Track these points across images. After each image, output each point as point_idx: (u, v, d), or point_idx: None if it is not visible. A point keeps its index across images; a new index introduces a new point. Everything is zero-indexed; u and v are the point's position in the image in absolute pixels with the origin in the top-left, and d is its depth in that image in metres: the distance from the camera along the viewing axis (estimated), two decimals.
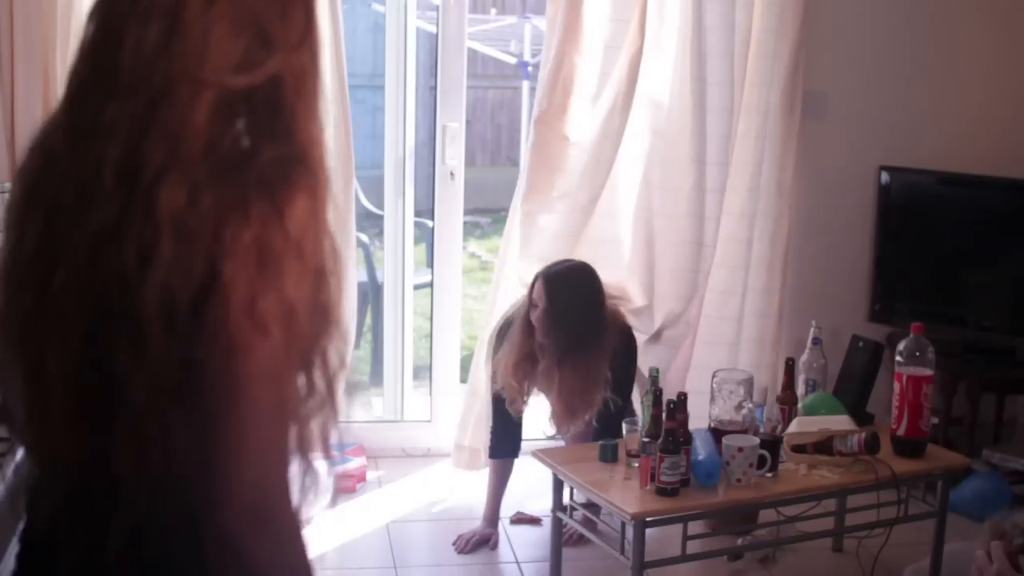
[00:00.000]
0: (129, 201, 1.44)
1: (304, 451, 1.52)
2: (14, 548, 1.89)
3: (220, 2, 1.48)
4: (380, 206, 5.82)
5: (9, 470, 2.37)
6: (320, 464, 1.55)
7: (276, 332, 1.43)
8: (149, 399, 1.43)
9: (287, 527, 1.50)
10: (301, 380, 1.50)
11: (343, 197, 4.66)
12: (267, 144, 1.48)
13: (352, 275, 4.78)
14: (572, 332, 4.34)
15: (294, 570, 1.53)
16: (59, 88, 4.14)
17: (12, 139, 4.23)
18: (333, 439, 1.56)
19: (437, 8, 5.09)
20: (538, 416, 4.59)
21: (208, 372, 1.42)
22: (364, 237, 6.39)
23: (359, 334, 6.34)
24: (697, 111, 4.75)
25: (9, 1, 4.19)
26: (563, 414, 4.45)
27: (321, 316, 1.50)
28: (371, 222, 6.65)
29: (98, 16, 1.54)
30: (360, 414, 5.75)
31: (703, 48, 4.73)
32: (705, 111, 4.76)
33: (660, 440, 3.53)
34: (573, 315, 4.35)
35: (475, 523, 4.53)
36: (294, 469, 1.52)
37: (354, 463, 4.95)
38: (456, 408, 5.05)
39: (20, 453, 1.80)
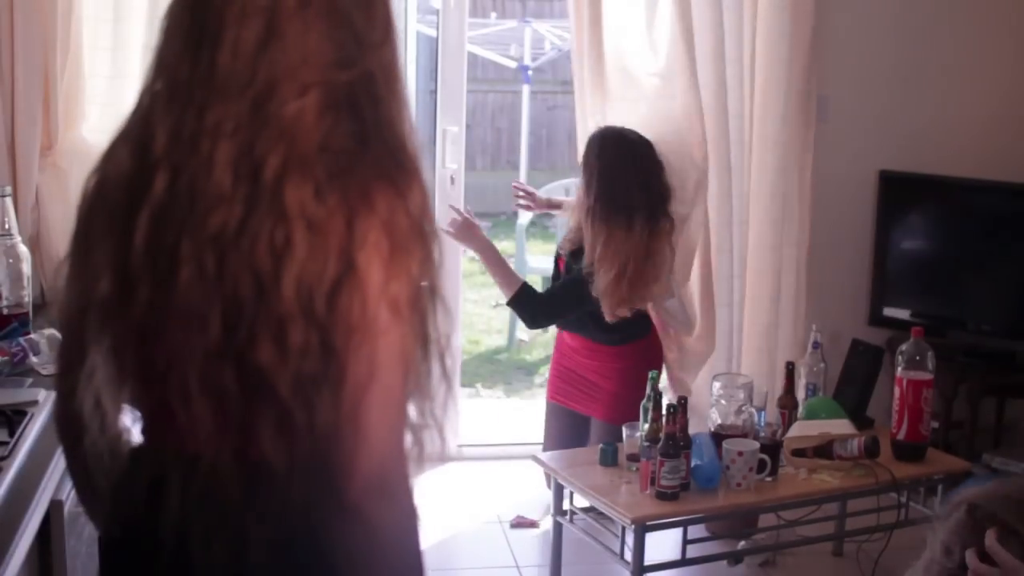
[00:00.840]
0: (253, 201, 1.49)
1: (424, 425, 1.60)
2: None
3: (314, 3, 1.53)
4: None
5: (11, 471, 2.37)
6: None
7: (407, 313, 1.51)
8: (295, 390, 1.50)
9: (406, 498, 1.57)
10: (422, 358, 1.56)
11: None
12: (375, 136, 1.55)
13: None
14: (608, 187, 4.25)
15: (411, 537, 1.60)
16: (59, 91, 4.16)
17: (12, 143, 4.23)
18: (450, 415, 1.63)
19: (437, 12, 5.10)
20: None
21: (347, 358, 1.49)
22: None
23: None
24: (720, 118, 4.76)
25: (9, 5, 4.19)
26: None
27: (433, 293, 1.57)
28: None
29: (185, 14, 1.57)
30: None
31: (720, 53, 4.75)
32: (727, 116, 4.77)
33: (660, 444, 3.53)
34: (612, 170, 4.26)
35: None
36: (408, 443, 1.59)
37: None
38: (455, 413, 5.03)
39: (21, 452, 1.81)
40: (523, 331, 7.57)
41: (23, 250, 3.44)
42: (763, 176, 4.88)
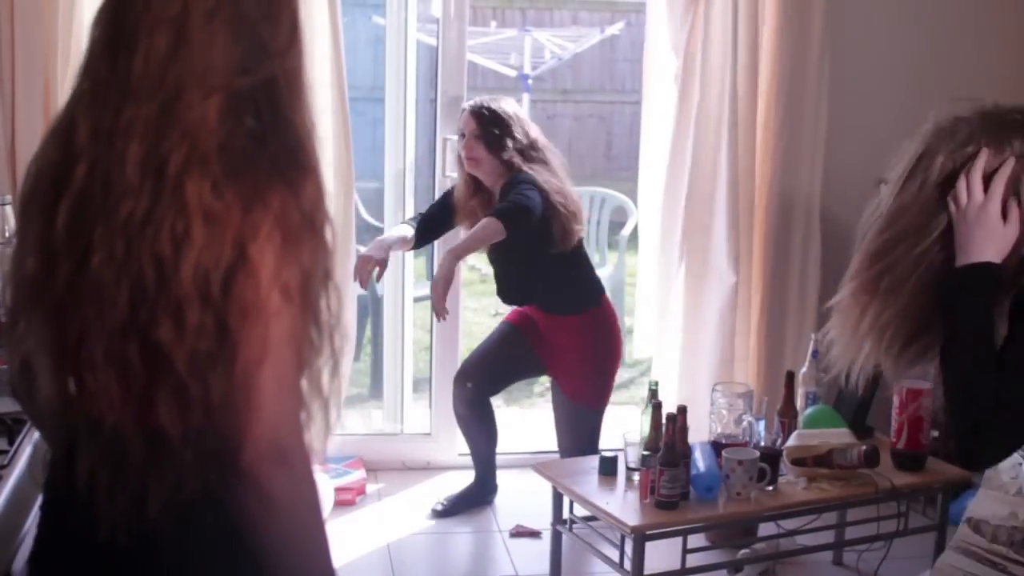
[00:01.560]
0: (158, 194, 1.64)
1: (314, 396, 1.75)
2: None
3: (221, 13, 1.68)
4: (380, 218, 5.83)
5: (11, 479, 2.38)
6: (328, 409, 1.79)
7: (297, 298, 1.66)
8: (190, 365, 1.65)
9: (301, 463, 1.70)
10: (312, 334, 1.72)
11: (343, 209, 4.67)
12: (272, 136, 1.70)
13: (351, 288, 4.77)
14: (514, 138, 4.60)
15: (308, 503, 1.74)
16: (60, 100, 4.16)
17: (12, 152, 4.24)
18: (335, 387, 1.78)
19: (437, 21, 5.10)
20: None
21: (240, 337, 1.64)
22: (364, 249, 6.39)
23: (359, 347, 6.34)
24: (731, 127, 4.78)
25: (10, 15, 4.20)
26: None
27: (325, 278, 1.73)
28: (371, 235, 6.64)
29: (108, 22, 1.75)
30: (359, 427, 5.75)
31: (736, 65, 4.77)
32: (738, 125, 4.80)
33: (660, 453, 3.53)
34: (505, 123, 4.60)
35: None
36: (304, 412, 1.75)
37: (354, 476, 4.94)
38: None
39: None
40: None
41: None
42: (770, 183, 4.89)
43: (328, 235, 1.73)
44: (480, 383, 4.77)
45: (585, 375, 4.69)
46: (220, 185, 1.64)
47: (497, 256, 4.77)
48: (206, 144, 1.65)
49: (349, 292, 4.77)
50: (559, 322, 4.69)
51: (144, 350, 1.66)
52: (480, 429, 4.83)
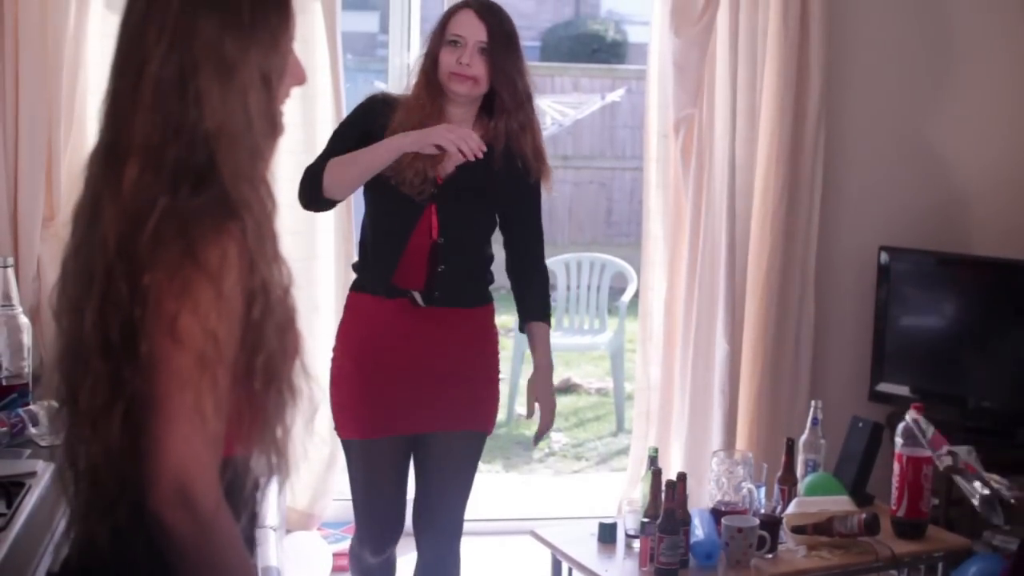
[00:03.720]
0: (90, 244, 1.79)
1: (260, 454, 1.83)
2: None
3: (146, 73, 1.76)
4: None
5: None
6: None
7: (191, 346, 1.69)
8: (90, 408, 1.76)
9: (207, 507, 1.71)
10: (240, 390, 1.77)
11: (343, 274, 4.68)
12: (173, 200, 1.74)
13: None
14: (521, 74, 3.47)
15: (216, 545, 1.75)
16: (63, 164, 4.19)
17: (15, 215, 4.25)
18: (280, 440, 1.84)
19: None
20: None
21: (135, 386, 1.72)
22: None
23: None
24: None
25: (15, 80, 4.23)
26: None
27: (256, 340, 1.77)
28: None
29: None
30: None
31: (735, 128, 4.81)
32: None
33: (659, 520, 3.52)
34: (518, 50, 3.47)
35: None
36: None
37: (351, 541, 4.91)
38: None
39: None
40: (521, 406, 7.56)
41: (24, 321, 3.45)
42: (770, 248, 4.91)
43: (273, 294, 1.79)
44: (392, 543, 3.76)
45: (491, 388, 3.65)
46: (125, 239, 1.73)
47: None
48: (122, 200, 1.75)
49: None
50: (466, 317, 3.57)
51: (70, 388, 1.82)
52: None
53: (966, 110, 5.24)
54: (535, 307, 3.66)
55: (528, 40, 3.22)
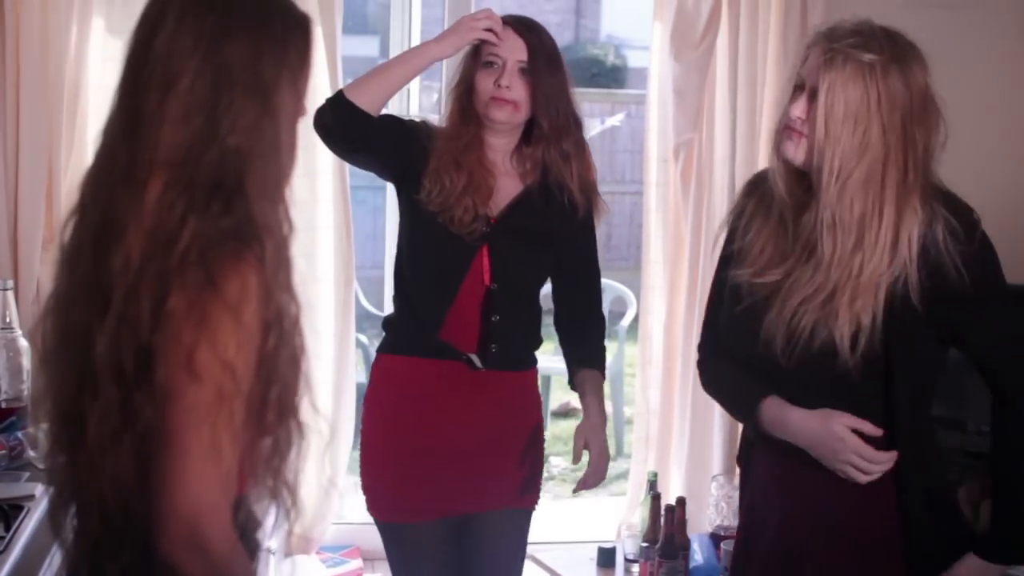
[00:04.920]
0: (97, 267, 1.73)
1: (264, 487, 1.78)
2: None
3: (174, 92, 1.73)
4: (380, 307, 5.84)
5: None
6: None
7: (209, 381, 1.64)
8: (99, 436, 1.70)
9: (221, 549, 1.67)
10: (254, 423, 1.73)
11: (343, 298, 4.68)
12: (202, 219, 1.70)
13: (351, 375, 4.77)
14: (565, 98, 3.14)
15: None
16: (63, 186, 4.20)
17: (15, 238, 4.26)
18: (290, 478, 1.80)
19: (439, 103, 5.15)
20: None
21: (147, 418, 1.67)
22: (364, 338, 6.40)
23: (356, 434, 6.31)
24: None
25: (16, 102, 4.24)
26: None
27: (271, 370, 1.73)
28: (371, 323, 6.66)
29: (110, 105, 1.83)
30: (356, 515, 5.71)
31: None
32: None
33: (658, 544, 3.51)
34: (561, 70, 3.14)
35: None
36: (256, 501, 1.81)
37: (350, 565, 4.91)
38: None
39: None
40: None
41: (23, 344, 3.44)
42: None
43: (285, 326, 1.75)
44: None
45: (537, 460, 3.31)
46: (143, 263, 1.68)
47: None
48: (140, 222, 1.71)
49: (348, 378, 4.78)
50: (514, 381, 3.23)
51: (77, 416, 1.74)
52: None
53: (965, 134, 5.21)
54: (592, 355, 3.32)
55: None
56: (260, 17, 1.79)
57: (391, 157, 3.14)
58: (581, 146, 3.16)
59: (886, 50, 2.43)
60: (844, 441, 2.41)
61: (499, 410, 3.15)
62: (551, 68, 3.08)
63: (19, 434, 3.19)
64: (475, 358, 3.08)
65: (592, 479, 3.22)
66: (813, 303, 2.40)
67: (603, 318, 3.34)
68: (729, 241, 2.64)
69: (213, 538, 1.65)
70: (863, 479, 2.44)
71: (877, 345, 2.41)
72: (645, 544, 3.61)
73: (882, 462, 2.43)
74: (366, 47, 11.85)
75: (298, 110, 1.86)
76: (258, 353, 1.70)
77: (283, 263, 1.75)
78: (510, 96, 3.03)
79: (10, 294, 3.48)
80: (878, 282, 2.40)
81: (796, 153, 2.44)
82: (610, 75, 14.42)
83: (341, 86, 4.56)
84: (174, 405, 1.65)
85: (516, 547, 3.25)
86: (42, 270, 4.21)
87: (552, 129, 3.07)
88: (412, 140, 3.11)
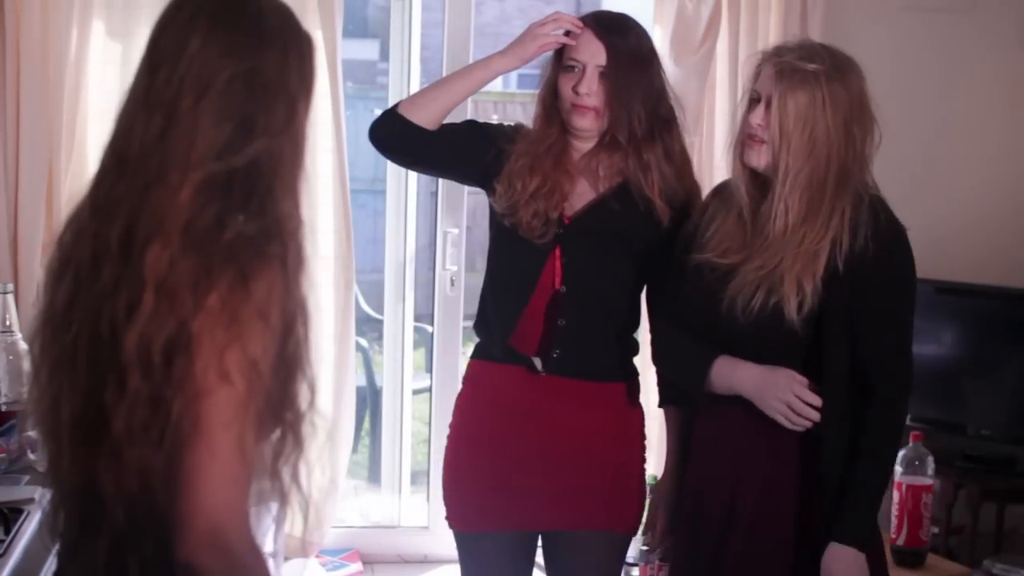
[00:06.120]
0: (126, 264, 1.74)
1: (274, 488, 1.80)
2: None
3: (209, 95, 1.77)
4: (380, 311, 5.84)
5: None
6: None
7: (239, 382, 1.67)
8: (127, 429, 1.71)
9: (243, 553, 1.69)
10: (269, 424, 1.75)
11: (344, 301, 4.68)
12: (238, 220, 1.74)
13: (351, 379, 4.78)
14: (652, 101, 2.98)
15: None
16: (63, 188, 4.20)
17: (15, 240, 4.26)
18: (302, 478, 1.82)
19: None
20: None
21: (175, 411, 1.68)
22: (363, 342, 6.40)
23: (357, 438, 6.32)
24: None
25: (16, 104, 4.24)
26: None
27: (288, 371, 1.77)
28: (371, 327, 6.66)
29: (120, 109, 1.85)
30: (356, 519, 5.72)
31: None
32: None
33: (659, 549, 3.51)
34: (647, 71, 2.98)
35: None
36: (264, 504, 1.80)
37: (350, 569, 4.91)
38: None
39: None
40: None
41: (23, 347, 3.44)
42: None
43: (299, 328, 1.79)
44: None
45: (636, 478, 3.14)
46: (176, 260, 1.70)
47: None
48: (174, 221, 1.72)
49: (348, 381, 4.78)
50: (600, 393, 3.07)
51: (96, 413, 1.74)
52: None
53: (966, 140, 5.25)
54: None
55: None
56: (285, 29, 1.88)
57: (459, 166, 3.12)
58: (671, 153, 3.00)
59: (827, 61, 2.74)
60: (791, 378, 2.71)
61: (587, 424, 3.01)
62: (633, 72, 2.92)
63: (19, 437, 3.19)
64: (536, 361, 3.00)
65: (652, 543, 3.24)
66: (765, 270, 2.71)
67: None
68: (691, 232, 2.90)
69: (235, 539, 1.67)
70: (794, 422, 2.71)
71: (816, 307, 2.70)
72: (645, 548, 3.60)
73: (813, 403, 2.69)
74: (366, 51, 11.85)
75: (308, 116, 1.92)
76: (278, 354, 1.74)
77: (301, 264, 1.81)
78: (590, 103, 2.92)
79: (10, 297, 3.49)
80: (816, 249, 2.70)
81: (759, 159, 2.75)
82: None
83: (341, 88, 4.59)
84: (205, 403, 1.67)
85: (602, 572, 3.10)
86: (42, 273, 4.22)
87: (630, 138, 2.94)
88: (486, 146, 3.04)
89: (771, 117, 2.70)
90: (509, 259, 3.06)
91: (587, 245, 2.98)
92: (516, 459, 3.01)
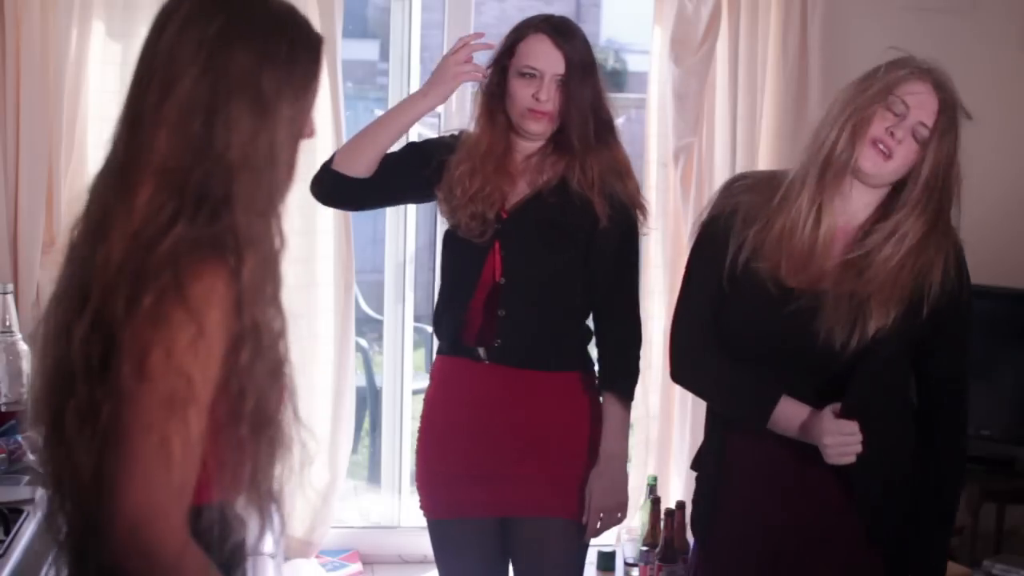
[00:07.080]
0: (87, 266, 1.75)
1: (249, 499, 1.79)
2: None
3: (171, 100, 1.73)
4: (380, 311, 5.84)
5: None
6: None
7: (160, 384, 1.65)
8: (72, 431, 1.72)
9: (169, 559, 1.66)
10: (231, 432, 1.73)
11: (343, 302, 4.68)
12: (184, 225, 1.71)
13: (351, 379, 4.78)
14: (597, 106, 3.09)
15: None
16: (63, 189, 4.20)
17: (15, 241, 4.26)
18: (275, 487, 1.80)
19: (439, 115, 5.15)
20: None
21: (104, 414, 1.68)
22: (363, 342, 6.41)
23: (357, 438, 6.32)
24: None
25: (16, 106, 4.24)
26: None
27: (250, 381, 1.73)
28: (370, 327, 6.67)
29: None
30: (356, 519, 5.72)
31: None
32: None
33: (658, 548, 3.51)
34: (594, 76, 3.08)
35: None
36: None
37: (350, 569, 4.91)
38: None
39: None
40: None
41: (23, 347, 3.45)
42: None
43: (261, 338, 1.74)
44: None
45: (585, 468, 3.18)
46: (123, 263, 1.69)
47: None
48: (128, 221, 1.72)
49: (348, 381, 4.78)
50: (547, 382, 3.14)
51: (58, 418, 1.76)
52: None
53: (965, 141, 5.23)
54: (605, 371, 3.19)
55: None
56: (269, 29, 1.80)
57: (405, 195, 3.32)
58: (615, 154, 3.11)
59: (960, 104, 2.72)
60: (837, 424, 2.58)
61: (541, 413, 3.10)
62: (585, 79, 3.03)
63: (19, 438, 3.19)
64: (480, 351, 3.10)
65: (591, 527, 3.18)
66: (857, 300, 2.61)
67: (632, 329, 3.20)
68: (722, 241, 2.72)
69: (157, 542, 1.65)
70: (843, 458, 2.60)
71: (891, 334, 2.64)
72: (645, 548, 3.61)
73: (852, 433, 2.57)
74: (366, 51, 11.86)
75: (301, 128, 1.86)
76: (226, 365, 1.70)
77: (270, 277, 1.75)
78: (548, 108, 3.01)
79: (10, 298, 3.49)
80: (912, 284, 2.63)
81: (881, 170, 2.64)
82: (610, 79, 14.33)
83: (340, 88, 4.59)
84: (125, 406, 1.66)
85: (561, 559, 3.19)
86: (42, 274, 4.22)
87: (580, 141, 3.03)
88: (427, 164, 3.13)
89: (927, 151, 2.64)
90: (455, 258, 3.18)
91: (525, 237, 3.07)
92: (472, 448, 3.13)
